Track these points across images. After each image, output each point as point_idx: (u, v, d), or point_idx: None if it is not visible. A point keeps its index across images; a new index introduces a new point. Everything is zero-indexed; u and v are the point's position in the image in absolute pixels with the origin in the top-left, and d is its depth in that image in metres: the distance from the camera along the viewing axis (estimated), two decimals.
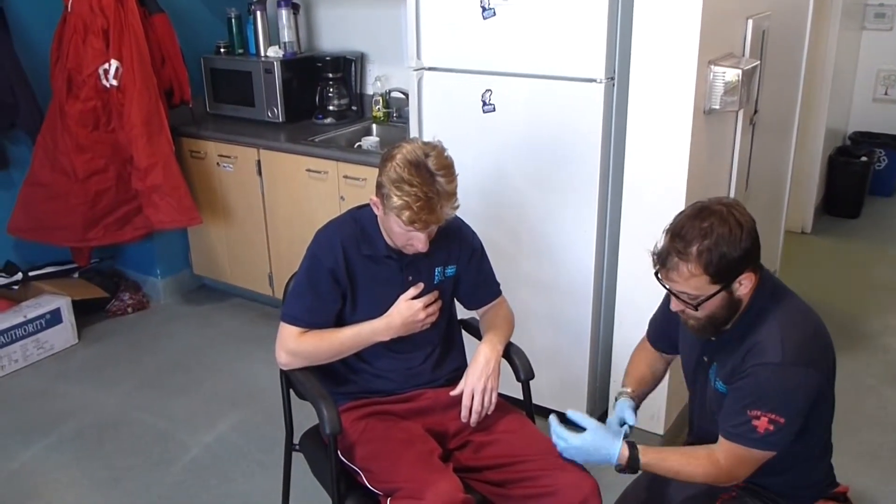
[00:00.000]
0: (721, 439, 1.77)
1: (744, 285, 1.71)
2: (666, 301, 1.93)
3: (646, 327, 2.13)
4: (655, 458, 1.82)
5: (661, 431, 2.78)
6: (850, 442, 2.78)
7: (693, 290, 1.70)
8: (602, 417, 1.96)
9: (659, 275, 1.75)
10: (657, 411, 2.76)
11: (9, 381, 3.43)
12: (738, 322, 1.78)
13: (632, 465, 1.81)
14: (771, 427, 1.69)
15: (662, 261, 1.72)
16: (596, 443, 1.82)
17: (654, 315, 2.09)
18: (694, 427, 2.05)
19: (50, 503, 2.72)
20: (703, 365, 1.90)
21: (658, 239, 1.76)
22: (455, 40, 2.76)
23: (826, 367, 1.78)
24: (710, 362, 1.87)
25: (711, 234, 1.65)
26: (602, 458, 1.82)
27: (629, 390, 2.05)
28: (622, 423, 1.93)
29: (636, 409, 2.00)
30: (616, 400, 2.02)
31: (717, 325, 1.78)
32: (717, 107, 2.47)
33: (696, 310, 1.73)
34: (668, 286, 1.75)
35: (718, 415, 1.80)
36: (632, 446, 1.81)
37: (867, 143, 5.44)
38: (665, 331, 2.04)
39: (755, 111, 2.93)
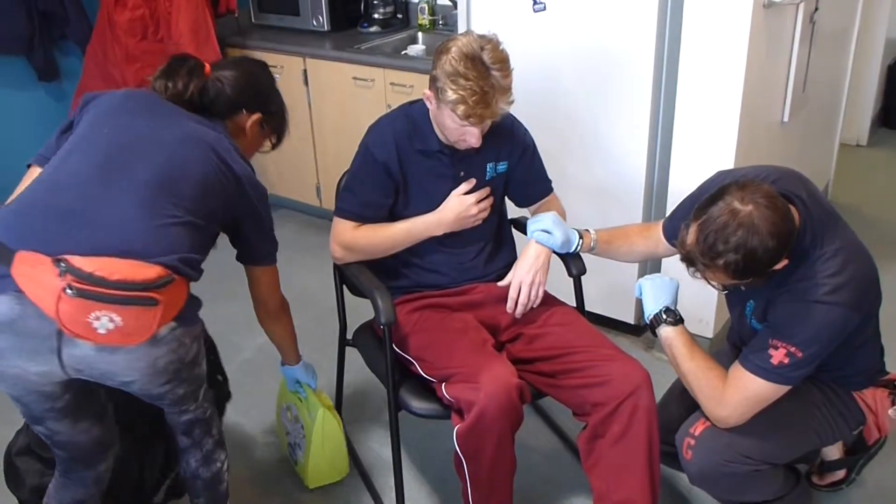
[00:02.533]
0: (734, 364, 1.76)
1: (778, 266, 1.64)
2: (694, 196, 1.88)
3: None
4: (683, 345, 1.83)
5: (710, 335, 2.78)
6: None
7: (726, 283, 1.68)
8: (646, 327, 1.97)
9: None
10: (707, 316, 2.77)
11: None
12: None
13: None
14: (786, 360, 1.66)
15: (689, 261, 1.66)
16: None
17: (681, 205, 1.99)
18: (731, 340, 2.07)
19: None
20: (741, 294, 1.87)
21: (685, 227, 1.66)
22: None
23: (866, 307, 1.71)
24: (747, 296, 1.85)
25: (740, 250, 1.56)
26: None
27: (593, 234, 2.07)
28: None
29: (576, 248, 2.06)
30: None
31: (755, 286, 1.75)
32: (778, 0, 2.39)
33: (726, 290, 1.73)
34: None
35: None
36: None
37: None
38: None
39: (816, 8, 2.83)
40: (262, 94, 1.96)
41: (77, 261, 1.44)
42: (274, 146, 2.09)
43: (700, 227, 1.61)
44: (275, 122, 2.02)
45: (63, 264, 1.43)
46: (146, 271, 1.48)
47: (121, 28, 3.55)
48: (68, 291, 1.42)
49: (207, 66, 1.88)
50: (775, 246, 1.58)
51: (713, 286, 1.74)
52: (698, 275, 1.69)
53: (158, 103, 1.79)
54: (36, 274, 1.45)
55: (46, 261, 1.45)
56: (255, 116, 1.92)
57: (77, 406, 1.70)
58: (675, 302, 1.93)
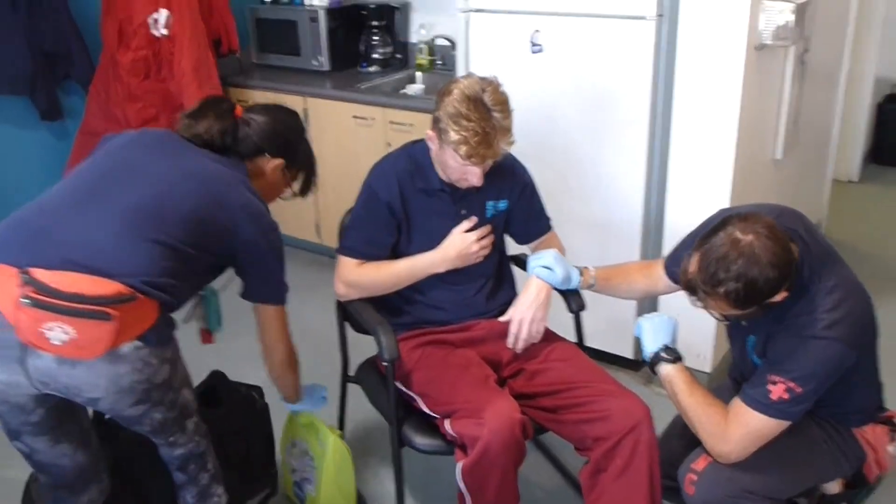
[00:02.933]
0: (734, 400, 1.78)
1: (778, 297, 1.67)
2: (695, 233, 1.90)
3: None
4: (684, 382, 1.85)
5: (708, 370, 2.81)
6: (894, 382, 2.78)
7: (726, 312, 1.70)
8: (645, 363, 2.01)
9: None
10: (704, 351, 2.79)
11: None
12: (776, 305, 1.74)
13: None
14: (786, 395, 1.68)
15: (691, 289, 1.69)
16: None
17: (682, 243, 2.02)
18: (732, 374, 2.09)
19: None
20: (742, 330, 1.90)
21: (687, 257, 1.70)
22: None
23: (864, 342, 1.73)
24: (748, 330, 1.88)
25: (741, 279, 1.59)
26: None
27: (593, 271, 2.10)
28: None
29: (576, 284, 2.10)
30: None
31: (753, 320, 1.78)
32: (769, 42, 2.45)
33: (727, 320, 1.74)
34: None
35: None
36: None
37: None
38: None
39: (806, 49, 2.90)
40: (288, 142, 2.01)
41: (40, 273, 1.51)
42: (297, 194, 2.13)
43: (702, 255, 1.65)
44: (298, 170, 2.07)
45: (26, 276, 1.50)
46: (104, 287, 1.53)
47: (124, 68, 3.61)
48: (23, 300, 1.48)
49: (239, 109, 1.94)
50: (776, 276, 1.61)
51: (714, 316, 1.76)
52: (699, 304, 1.71)
53: (171, 141, 1.84)
54: (3, 284, 1.52)
55: (14, 272, 1.52)
56: (278, 162, 1.97)
57: (54, 424, 1.73)
58: (675, 340, 1.95)
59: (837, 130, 4.03)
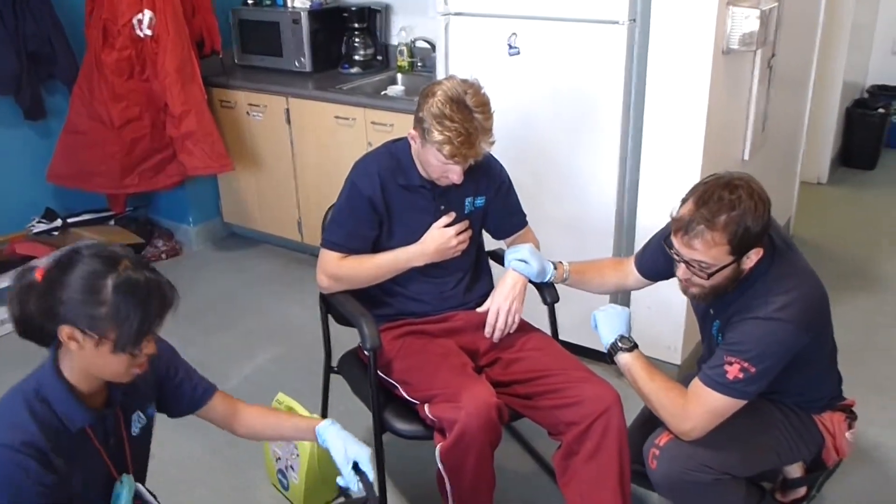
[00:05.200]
0: (694, 380, 1.87)
1: (751, 259, 1.78)
2: (665, 230, 1.99)
3: None
4: (642, 369, 1.94)
5: (678, 361, 2.91)
6: (858, 374, 2.88)
7: (709, 260, 1.76)
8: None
9: (675, 241, 1.80)
10: (675, 342, 2.89)
11: None
12: (740, 285, 1.84)
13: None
14: (741, 375, 1.77)
15: (686, 227, 1.75)
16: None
17: (652, 240, 2.15)
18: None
19: None
20: (710, 317, 2.00)
21: (674, 206, 1.81)
22: None
23: (815, 326, 1.82)
24: (714, 316, 1.97)
25: (739, 206, 1.70)
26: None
27: (566, 265, 2.20)
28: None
29: (551, 278, 2.20)
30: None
31: (718, 294, 1.86)
32: (736, 47, 2.56)
33: (707, 279, 1.79)
34: (682, 254, 1.80)
35: None
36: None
37: (885, 97, 5.48)
38: (657, 260, 2.08)
39: (773, 54, 3.01)
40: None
41: None
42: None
43: (699, 196, 1.75)
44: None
45: None
46: None
47: (108, 68, 3.66)
48: None
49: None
50: (766, 213, 1.73)
51: (692, 284, 1.83)
52: (684, 252, 1.77)
53: None
54: None
55: None
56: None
57: None
58: (629, 329, 2.05)
59: (806, 133, 4.16)
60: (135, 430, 1.67)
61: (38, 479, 1.42)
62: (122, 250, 1.51)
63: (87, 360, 1.48)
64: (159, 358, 1.66)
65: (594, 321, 2.07)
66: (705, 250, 1.74)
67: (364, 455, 1.73)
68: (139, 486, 1.69)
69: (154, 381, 1.72)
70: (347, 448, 1.73)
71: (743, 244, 1.73)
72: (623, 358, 1.98)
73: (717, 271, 1.77)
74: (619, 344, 1.99)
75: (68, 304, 1.43)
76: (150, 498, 1.73)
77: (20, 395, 1.49)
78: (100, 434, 1.57)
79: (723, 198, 1.71)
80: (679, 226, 1.77)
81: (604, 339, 2.03)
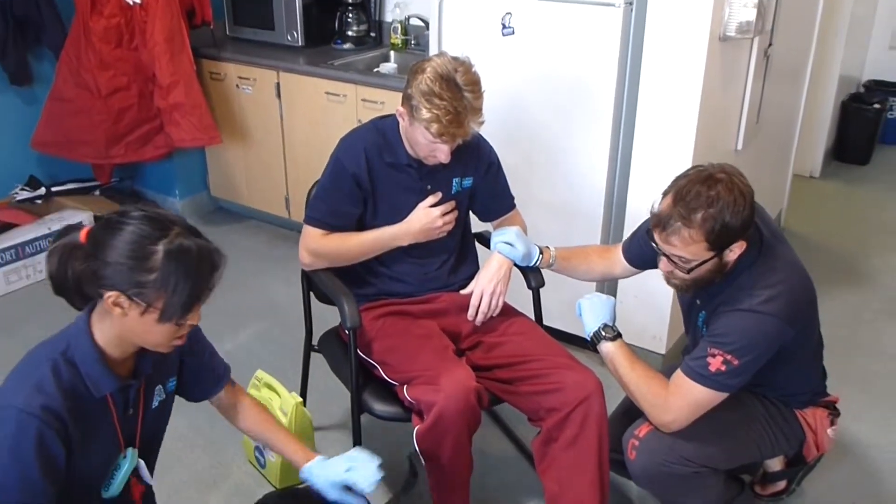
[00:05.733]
0: (676, 371, 1.85)
1: (734, 252, 1.76)
2: None
3: None
4: (624, 358, 1.92)
5: (662, 351, 2.89)
6: (844, 369, 2.88)
7: (688, 255, 1.74)
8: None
9: (655, 236, 1.78)
10: (660, 332, 2.87)
11: (36, 288, 3.57)
12: (726, 277, 1.82)
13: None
14: (723, 367, 1.75)
15: (663, 224, 1.73)
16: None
17: (639, 229, 2.12)
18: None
19: None
20: (696, 308, 1.98)
21: (656, 200, 1.78)
22: None
23: (800, 320, 1.80)
24: (700, 307, 1.95)
25: (717, 203, 1.67)
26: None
27: (553, 250, 2.17)
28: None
29: (536, 262, 2.18)
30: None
31: (701, 286, 1.84)
32: (733, 34, 2.52)
33: (688, 273, 1.78)
34: (662, 249, 1.78)
35: None
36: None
37: (881, 92, 5.45)
38: (644, 248, 2.04)
39: (770, 44, 2.97)
40: None
41: None
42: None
43: (677, 190, 1.72)
44: None
45: None
46: None
47: (96, 35, 3.60)
48: None
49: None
50: (747, 212, 1.69)
51: (674, 276, 1.81)
52: (663, 247, 1.76)
53: None
54: None
55: None
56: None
57: None
58: (613, 318, 2.02)
59: (801, 126, 4.13)
60: (154, 403, 1.64)
61: (49, 449, 1.39)
62: (172, 215, 1.47)
63: (128, 327, 1.44)
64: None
65: (579, 309, 2.05)
66: (683, 246, 1.73)
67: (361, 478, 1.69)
68: (140, 462, 1.64)
69: (177, 357, 1.68)
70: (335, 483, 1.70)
71: (722, 239, 1.71)
72: (606, 347, 1.96)
73: (698, 266, 1.75)
74: (603, 332, 1.97)
75: (115, 269, 1.38)
76: (147, 476, 1.69)
77: (46, 355, 1.45)
78: (120, 404, 1.53)
79: (700, 194, 1.68)
80: (657, 221, 1.76)
81: (587, 327, 2.01)
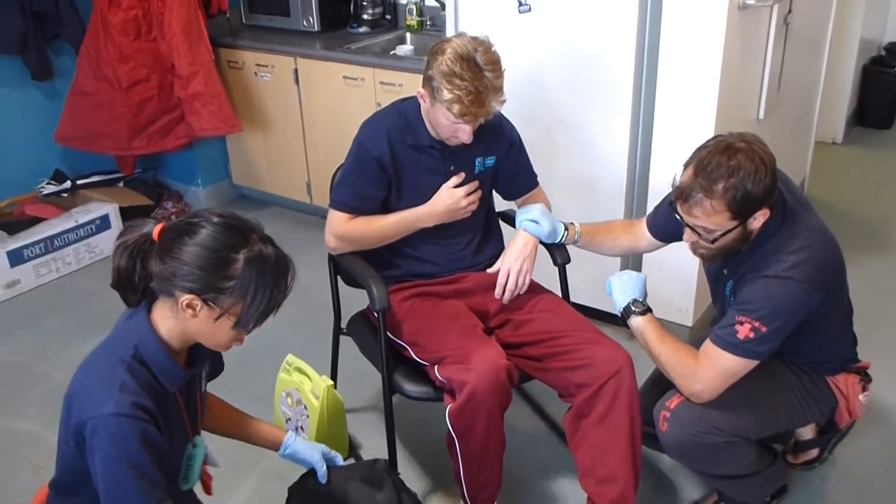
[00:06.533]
0: (705, 342, 1.85)
1: (758, 220, 1.75)
2: None
3: None
4: (653, 331, 1.93)
5: (689, 323, 2.89)
6: (868, 337, 2.86)
7: (712, 226, 1.74)
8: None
9: (678, 207, 1.78)
10: (686, 304, 2.87)
11: (65, 281, 3.61)
12: (751, 245, 1.82)
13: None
14: (752, 335, 1.75)
15: (685, 196, 1.74)
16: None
17: (663, 202, 2.12)
18: None
19: None
20: (723, 277, 1.97)
21: (677, 172, 1.78)
22: None
23: (827, 285, 1.80)
24: (728, 277, 1.95)
25: (738, 172, 1.67)
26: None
27: (578, 227, 2.17)
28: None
29: (562, 239, 2.18)
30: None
31: (727, 255, 1.84)
32: (752, 2, 2.50)
33: (712, 243, 1.78)
34: (686, 220, 1.78)
35: None
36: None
37: None
38: (668, 221, 2.02)
39: (789, 10, 2.94)
40: None
41: None
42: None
43: (698, 161, 1.72)
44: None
45: None
46: None
47: (114, 28, 3.63)
48: None
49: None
50: (769, 180, 1.69)
51: (700, 246, 1.81)
52: (686, 219, 1.76)
53: None
54: None
55: None
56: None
57: None
58: (644, 294, 2.03)
59: (822, 92, 4.08)
60: (203, 388, 1.67)
61: (154, 443, 1.39)
62: (249, 221, 1.47)
63: (196, 327, 1.44)
64: None
65: (609, 287, 2.06)
66: (706, 217, 1.73)
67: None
68: (209, 447, 1.67)
69: None
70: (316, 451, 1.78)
71: (745, 208, 1.71)
72: (635, 321, 1.97)
73: (722, 235, 1.76)
74: (632, 307, 1.98)
75: (192, 272, 1.38)
76: (217, 459, 1.71)
77: (116, 359, 1.43)
78: (184, 394, 1.55)
79: (721, 164, 1.68)
80: (679, 194, 1.76)
81: (617, 303, 2.02)
